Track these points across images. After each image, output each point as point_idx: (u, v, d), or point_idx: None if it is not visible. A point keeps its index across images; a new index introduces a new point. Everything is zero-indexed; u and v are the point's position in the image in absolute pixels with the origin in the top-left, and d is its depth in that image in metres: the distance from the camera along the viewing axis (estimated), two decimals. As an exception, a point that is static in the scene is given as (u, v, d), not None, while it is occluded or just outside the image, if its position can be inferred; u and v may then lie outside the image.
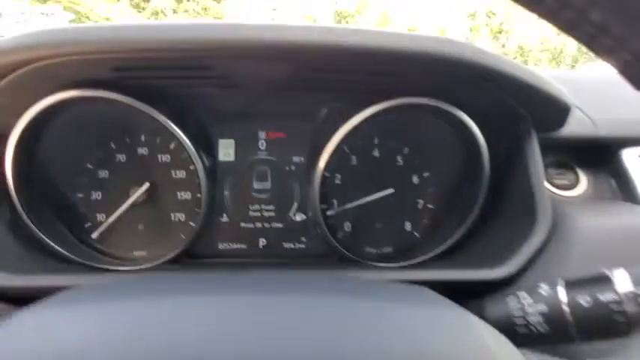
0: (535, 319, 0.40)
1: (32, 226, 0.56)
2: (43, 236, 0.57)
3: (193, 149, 0.60)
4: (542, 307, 0.40)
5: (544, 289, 0.41)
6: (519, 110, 0.56)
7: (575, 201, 0.62)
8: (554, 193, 0.62)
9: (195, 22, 0.47)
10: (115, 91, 0.53)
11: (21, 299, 0.50)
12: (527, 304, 0.41)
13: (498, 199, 0.62)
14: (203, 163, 0.62)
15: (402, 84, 0.55)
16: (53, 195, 0.62)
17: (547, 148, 0.60)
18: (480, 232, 0.63)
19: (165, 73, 0.52)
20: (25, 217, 0.56)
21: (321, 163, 0.61)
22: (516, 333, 0.41)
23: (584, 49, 0.22)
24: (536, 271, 0.53)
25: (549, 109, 0.56)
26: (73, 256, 0.59)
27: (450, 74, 0.50)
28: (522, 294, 0.42)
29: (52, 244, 0.57)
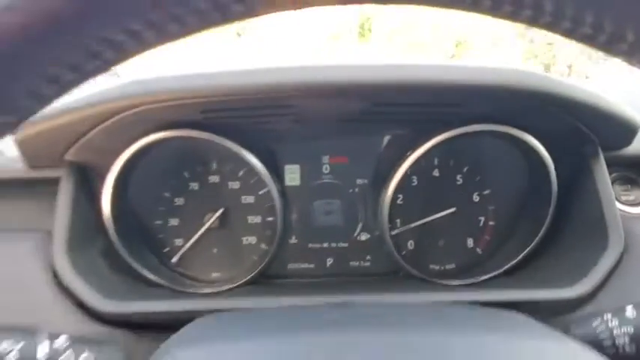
0: (622, 340, 0.41)
1: (125, 254, 0.61)
2: (133, 262, 0.61)
3: (265, 174, 0.63)
4: (629, 329, 0.41)
5: (630, 311, 0.42)
6: (586, 131, 0.57)
7: (644, 218, 0.62)
8: (621, 210, 0.62)
9: (277, 67, 0.51)
10: (199, 129, 0.57)
11: (115, 322, 0.54)
12: (614, 326, 0.42)
13: (565, 218, 0.63)
14: (275, 186, 0.65)
15: (468, 112, 0.57)
16: (138, 224, 0.66)
17: (612, 164, 0.61)
18: (546, 251, 0.64)
19: (247, 112, 0.56)
20: (119, 246, 0.60)
21: (391, 186, 0.63)
22: (603, 353, 0.42)
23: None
24: (609, 290, 0.54)
25: (617, 130, 0.57)
26: (158, 280, 0.63)
27: (519, 103, 0.52)
28: (608, 315, 0.43)
29: (141, 268, 0.62)
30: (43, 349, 0.38)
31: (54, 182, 0.58)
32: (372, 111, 0.56)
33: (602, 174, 0.58)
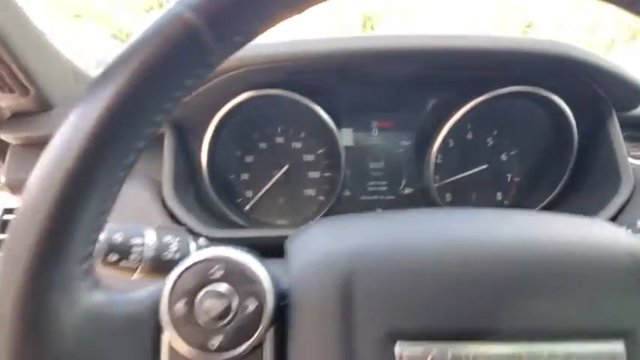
0: None
1: (215, 198, 0.72)
2: (222, 206, 0.73)
3: (326, 134, 0.75)
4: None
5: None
6: (602, 94, 0.69)
7: (650, 167, 0.74)
8: (631, 162, 0.74)
9: (350, 36, 0.62)
10: (282, 88, 0.69)
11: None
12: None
13: (582, 170, 0.74)
14: (333, 146, 0.77)
15: (505, 75, 0.68)
16: (219, 176, 0.78)
17: (622, 125, 0.72)
18: (565, 199, 0.76)
19: (321, 77, 0.68)
20: (211, 191, 0.72)
21: (435, 146, 0.75)
22: None
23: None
24: (621, 221, 0.65)
25: (627, 92, 0.68)
26: (239, 221, 0.75)
27: (551, 68, 0.64)
28: (622, 228, 0.54)
29: (227, 211, 0.73)
30: (192, 245, 0.50)
31: (156, 138, 0.69)
32: (425, 74, 0.68)
33: (615, 129, 0.69)
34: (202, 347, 0.30)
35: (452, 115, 0.72)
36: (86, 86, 0.79)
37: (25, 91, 0.68)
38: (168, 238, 0.48)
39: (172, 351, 0.31)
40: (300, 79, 0.67)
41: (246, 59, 0.63)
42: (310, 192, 0.83)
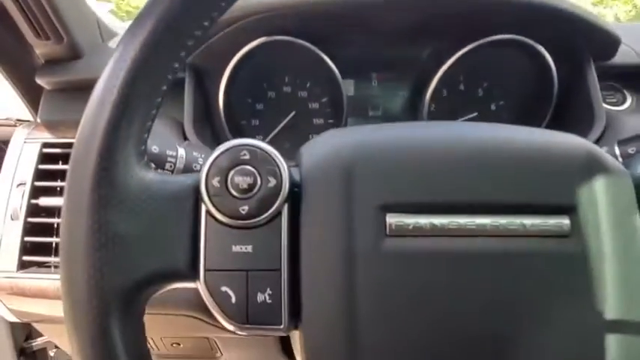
0: None
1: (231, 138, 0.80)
2: None
3: (331, 83, 0.82)
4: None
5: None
6: (580, 42, 0.76)
7: (623, 112, 0.81)
8: (606, 107, 0.82)
9: None
10: (293, 36, 0.76)
11: None
12: None
13: (562, 115, 0.82)
14: (337, 95, 0.84)
15: (495, 25, 0.75)
16: (234, 121, 0.86)
17: (600, 75, 0.80)
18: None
19: (329, 25, 0.75)
20: (227, 132, 0.80)
21: (428, 95, 0.82)
22: None
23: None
24: None
25: (604, 41, 0.75)
26: None
27: (536, 17, 0.71)
28: None
29: None
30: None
31: (178, 84, 0.77)
32: (421, 23, 0.75)
33: (592, 76, 0.76)
34: (233, 214, 0.39)
35: (444, 64, 0.79)
36: (109, 37, 0.87)
37: (59, 39, 0.75)
38: (196, 154, 0.56)
39: (209, 218, 0.40)
40: (309, 27, 0.74)
41: (259, 7, 0.70)
42: (315, 137, 0.90)
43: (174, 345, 0.87)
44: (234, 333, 0.41)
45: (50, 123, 0.79)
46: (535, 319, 0.38)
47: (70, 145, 0.47)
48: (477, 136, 0.43)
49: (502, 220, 0.39)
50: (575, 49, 0.77)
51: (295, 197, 0.41)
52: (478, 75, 0.89)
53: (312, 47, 0.77)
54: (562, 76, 0.79)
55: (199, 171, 0.40)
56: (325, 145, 0.44)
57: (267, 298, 0.39)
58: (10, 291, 0.68)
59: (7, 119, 1.01)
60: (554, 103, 0.81)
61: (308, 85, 0.89)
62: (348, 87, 0.91)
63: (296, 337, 0.47)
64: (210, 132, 0.81)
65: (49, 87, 0.82)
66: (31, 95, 0.85)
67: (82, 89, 0.57)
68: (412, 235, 0.39)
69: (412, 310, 0.38)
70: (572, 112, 0.80)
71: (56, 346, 1.37)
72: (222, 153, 0.40)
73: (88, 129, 0.35)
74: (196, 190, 0.40)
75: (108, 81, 0.35)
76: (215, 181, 0.39)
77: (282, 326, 0.39)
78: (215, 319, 0.40)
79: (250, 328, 0.39)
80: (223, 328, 0.41)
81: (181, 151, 0.54)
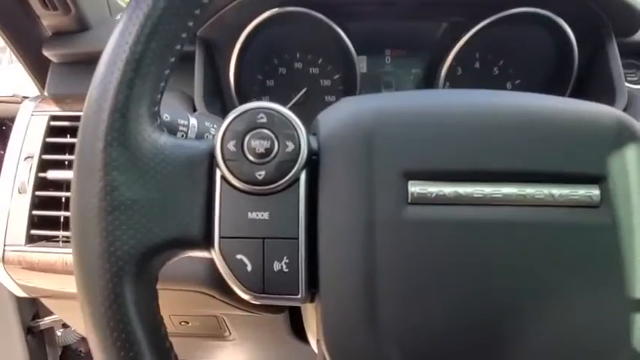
0: None
1: None
2: None
3: (344, 60, 0.80)
4: None
5: None
6: (603, 17, 0.73)
7: (644, 90, 0.79)
8: (627, 86, 0.79)
9: None
10: (306, 7, 0.74)
11: None
12: None
13: (581, 91, 0.79)
14: (350, 71, 0.82)
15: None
16: (244, 98, 0.84)
17: (623, 53, 0.77)
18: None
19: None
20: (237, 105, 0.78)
21: (443, 72, 0.80)
22: None
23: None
24: None
25: (627, 16, 0.73)
26: None
27: None
28: None
29: None
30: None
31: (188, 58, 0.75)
32: None
33: (614, 52, 0.74)
34: (250, 179, 0.38)
35: (459, 40, 0.77)
36: (117, 12, 0.85)
37: (67, 10, 0.74)
38: (207, 123, 0.55)
39: (224, 184, 0.38)
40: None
41: None
42: (326, 114, 0.89)
43: (182, 324, 0.87)
44: (244, 310, 0.40)
45: (58, 96, 0.77)
46: (561, 291, 0.37)
47: (78, 119, 0.45)
48: (504, 102, 0.41)
49: (529, 190, 0.38)
50: (599, 23, 0.74)
51: (313, 164, 0.39)
52: (494, 52, 0.86)
53: (327, 19, 0.75)
54: (582, 54, 0.77)
55: (214, 136, 0.39)
56: (343, 112, 0.42)
57: (284, 267, 0.38)
58: (18, 265, 0.68)
59: (13, 96, 1.00)
60: (573, 81, 0.78)
61: (320, 61, 0.87)
62: (360, 63, 0.88)
63: (308, 311, 0.46)
64: (220, 107, 0.79)
65: (56, 59, 0.80)
66: (38, 69, 0.84)
67: (89, 62, 0.55)
68: (435, 204, 0.38)
69: (434, 281, 0.37)
70: (592, 89, 0.78)
71: (63, 325, 1.37)
72: (238, 116, 0.38)
73: (99, 88, 0.34)
74: (211, 154, 0.38)
75: (120, 39, 0.34)
76: (231, 145, 0.38)
77: (299, 296, 0.38)
78: (225, 296, 0.39)
79: (266, 298, 0.38)
80: (233, 305, 0.40)
81: (193, 120, 0.52)
